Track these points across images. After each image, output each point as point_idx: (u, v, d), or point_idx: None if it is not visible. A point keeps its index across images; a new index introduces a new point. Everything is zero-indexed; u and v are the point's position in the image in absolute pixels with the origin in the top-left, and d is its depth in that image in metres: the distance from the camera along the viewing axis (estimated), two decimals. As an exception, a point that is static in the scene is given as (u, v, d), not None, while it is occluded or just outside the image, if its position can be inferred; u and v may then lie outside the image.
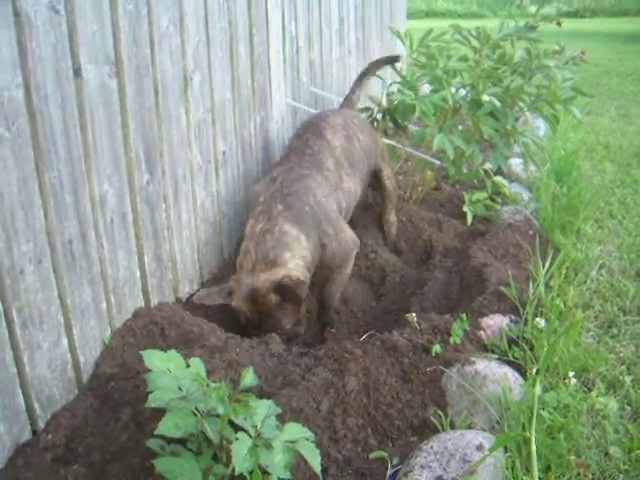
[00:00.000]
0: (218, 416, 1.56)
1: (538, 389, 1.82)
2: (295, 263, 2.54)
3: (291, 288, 2.49)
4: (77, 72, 1.93)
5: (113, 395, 1.98)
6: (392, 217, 3.52)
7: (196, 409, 1.57)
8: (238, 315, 2.57)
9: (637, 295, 2.67)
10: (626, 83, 7.77)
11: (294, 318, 2.58)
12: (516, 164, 4.15)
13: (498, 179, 3.64)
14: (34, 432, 1.88)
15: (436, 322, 2.32)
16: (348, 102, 3.63)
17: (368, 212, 3.68)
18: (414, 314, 2.36)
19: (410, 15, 9.01)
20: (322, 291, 2.85)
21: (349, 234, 2.84)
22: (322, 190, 2.78)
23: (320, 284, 2.84)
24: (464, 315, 2.31)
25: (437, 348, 2.15)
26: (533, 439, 1.65)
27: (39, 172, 1.80)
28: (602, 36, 12.46)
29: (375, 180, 3.47)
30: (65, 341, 1.98)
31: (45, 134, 1.81)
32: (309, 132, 3.05)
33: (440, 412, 1.95)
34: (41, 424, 1.89)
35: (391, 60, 3.77)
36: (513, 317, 2.36)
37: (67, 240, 1.94)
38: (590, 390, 2.07)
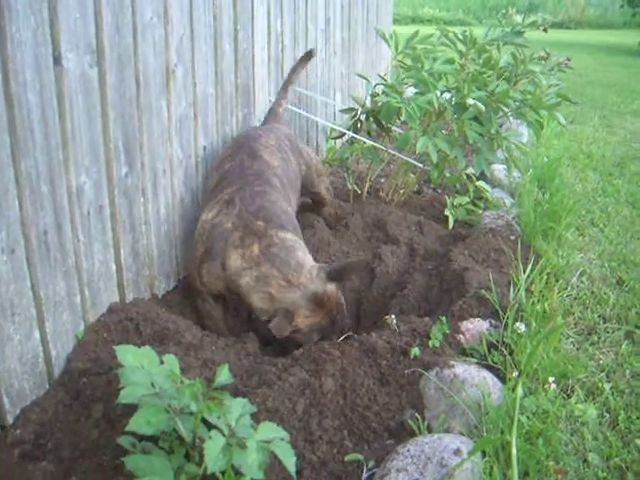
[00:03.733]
0: (191, 414, 1.52)
1: (520, 392, 1.81)
2: (310, 259, 2.51)
3: (341, 266, 2.51)
4: (57, 60, 1.89)
5: (85, 391, 1.93)
6: (327, 209, 3.58)
7: (169, 406, 1.53)
8: (305, 337, 2.43)
9: (617, 303, 2.67)
10: (609, 94, 7.83)
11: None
12: (499, 169, 4.14)
13: (480, 184, 3.63)
14: (2, 427, 1.83)
15: (415, 325, 2.30)
16: (274, 115, 3.42)
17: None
18: (393, 316, 2.34)
19: (396, 21, 9.01)
20: None
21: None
22: (282, 202, 2.68)
23: None
24: (444, 318, 2.29)
25: (416, 351, 2.13)
26: (514, 442, 1.63)
27: (15, 160, 1.76)
28: (586, 47, 12.58)
29: (314, 196, 3.48)
30: (37, 334, 1.93)
31: (22, 121, 1.76)
32: (242, 154, 2.82)
33: (417, 415, 1.93)
34: (10, 419, 1.84)
35: (308, 57, 3.58)
36: (493, 321, 2.34)
37: (42, 231, 1.89)
38: (569, 396, 2.06)
